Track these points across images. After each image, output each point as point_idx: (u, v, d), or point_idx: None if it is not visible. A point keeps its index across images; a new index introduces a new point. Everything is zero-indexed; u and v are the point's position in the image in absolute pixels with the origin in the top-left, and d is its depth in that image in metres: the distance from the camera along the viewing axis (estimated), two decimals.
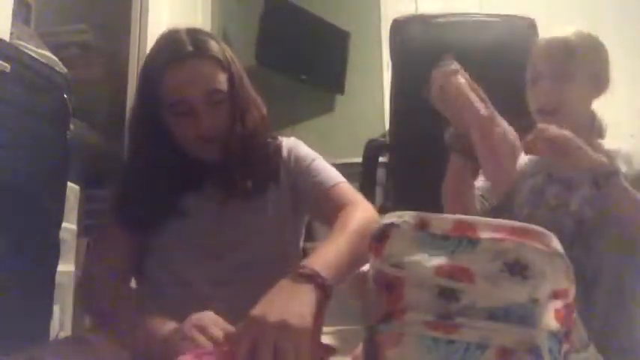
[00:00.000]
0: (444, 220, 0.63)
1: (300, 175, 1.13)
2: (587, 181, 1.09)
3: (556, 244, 0.62)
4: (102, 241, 1.12)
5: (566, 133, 1.08)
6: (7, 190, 1.02)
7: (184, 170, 1.09)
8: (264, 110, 1.15)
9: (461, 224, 0.62)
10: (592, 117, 1.25)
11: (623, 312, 1.12)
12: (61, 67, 1.36)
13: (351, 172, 2.34)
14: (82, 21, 2.18)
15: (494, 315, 0.57)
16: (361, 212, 1.00)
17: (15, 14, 1.32)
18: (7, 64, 1.03)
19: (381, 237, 0.63)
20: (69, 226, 1.55)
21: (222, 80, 1.05)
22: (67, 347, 0.91)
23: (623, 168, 1.13)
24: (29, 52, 1.22)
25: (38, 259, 1.11)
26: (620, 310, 1.12)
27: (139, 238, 1.07)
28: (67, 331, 1.53)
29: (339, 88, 3.34)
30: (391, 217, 0.64)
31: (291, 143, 1.18)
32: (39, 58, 1.23)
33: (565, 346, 0.61)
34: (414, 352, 0.57)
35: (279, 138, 1.20)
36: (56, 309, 1.41)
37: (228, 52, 1.10)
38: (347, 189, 1.12)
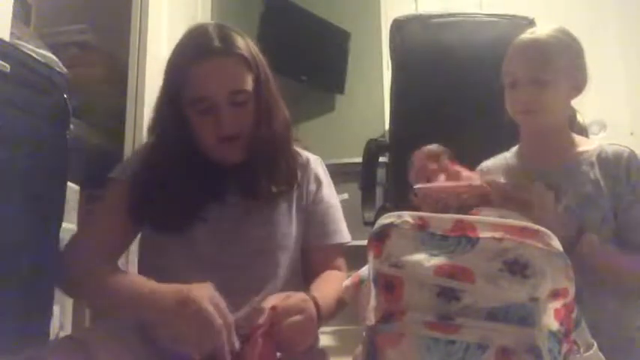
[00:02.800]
0: (443, 220, 0.63)
1: (316, 207, 1.15)
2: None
3: (556, 243, 0.61)
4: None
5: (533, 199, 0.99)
6: (7, 190, 1.02)
7: (207, 177, 1.07)
8: (287, 113, 1.13)
9: (461, 224, 0.62)
10: (572, 115, 1.28)
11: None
12: (61, 67, 1.36)
13: (351, 172, 2.35)
14: (82, 21, 2.18)
15: (495, 315, 0.58)
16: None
17: (15, 14, 1.32)
18: (7, 64, 1.03)
19: (381, 236, 0.63)
20: (69, 226, 1.55)
21: (247, 80, 1.03)
22: (64, 349, 0.91)
23: (601, 170, 1.15)
24: (29, 52, 1.22)
25: (38, 259, 1.11)
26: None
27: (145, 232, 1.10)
28: (67, 331, 1.53)
29: (339, 88, 3.35)
30: (390, 217, 0.64)
31: (318, 164, 1.20)
32: (39, 58, 1.23)
33: (565, 346, 0.61)
34: (414, 352, 0.57)
35: (306, 152, 1.21)
36: (56, 309, 1.41)
37: (255, 51, 1.07)
38: (342, 254, 1.16)
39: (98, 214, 1.16)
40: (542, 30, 1.24)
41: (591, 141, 1.27)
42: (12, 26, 1.29)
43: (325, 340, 1.27)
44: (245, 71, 1.03)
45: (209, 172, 1.07)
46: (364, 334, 0.62)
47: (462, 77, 1.77)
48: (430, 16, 1.89)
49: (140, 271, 1.12)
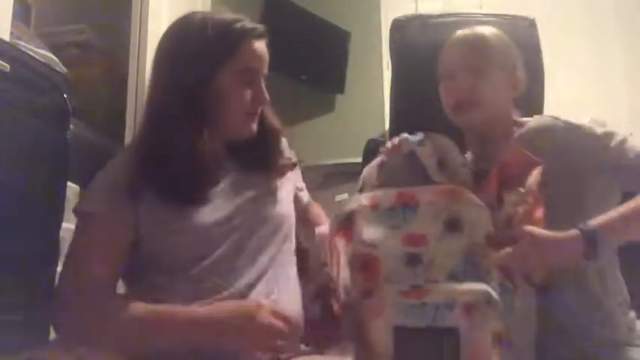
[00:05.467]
0: (388, 196, 0.74)
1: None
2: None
3: (476, 198, 0.73)
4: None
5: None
6: (7, 190, 1.02)
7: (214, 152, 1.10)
8: None
9: (402, 195, 0.73)
10: (510, 116, 1.22)
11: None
12: (60, 67, 1.36)
13: (351, 172, 2.34)
14: (82, 21, 2.18)
15: (455, 275, 0.68)
16: None
17: (15, 14, 1.32)
18: (7, 64, 1.03)
19: (347, 223, 0.72)
20: (69, 226, 1.55)
21: None
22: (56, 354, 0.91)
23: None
24: (29, 52, 1.23)
25: (38, 259, 1.11)
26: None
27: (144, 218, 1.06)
28: None
29: (339, 88, 3.35)
30: (351, 204, 0.74)
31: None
32: (39, 58, 1.23)
33: (516, 290, 0.73)
34: (395, 319, 0.67)
35: None
36: None
37: None
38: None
39: (82, 253, 1.07)
40: (473, 28, 1.25)
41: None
42: (12, 26, 1.29)
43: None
44: None
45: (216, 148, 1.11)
46: (344, 309, 0.72)
47: None
48: (430, 16, 1.89)
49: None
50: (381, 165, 0.87)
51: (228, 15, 1.13)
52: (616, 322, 1.12)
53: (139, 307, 0.98)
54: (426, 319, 0.64)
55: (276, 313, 0.94)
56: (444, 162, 0.86)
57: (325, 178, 2.75)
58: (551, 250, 0.85)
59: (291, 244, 1.19)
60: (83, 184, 1.66)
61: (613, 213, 0.94)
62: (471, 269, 0.68)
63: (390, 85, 1.89)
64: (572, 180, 1.05)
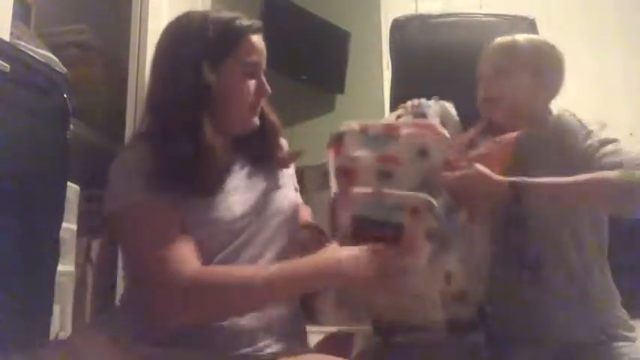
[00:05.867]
0: (377, 126, 0.92)
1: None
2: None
3: (444, 131, 0.94)
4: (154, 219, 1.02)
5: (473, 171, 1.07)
6: (7, 190, 1.02)
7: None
8: None
9: (388, 127, 0.91)
10: (546, 113, 1.33)
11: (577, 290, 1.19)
12: (60, 67, 1.36)
13: None
14: (82, 21, 2.18)
15: (414, 188, 0.88)
16: None
17: (15, 14, 1.32)
18: (7, 64, 1.03)
19: (338, 140, 0.90)
20: (69, 226, 1.56)
21: None
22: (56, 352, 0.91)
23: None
24: (29, 52, 1.23)
25: (38, 259, 1.11)
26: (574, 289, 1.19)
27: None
28: (67, 331, 1.53)
29: (339, 88, 3.34)
30: (343, 127, 0.92)
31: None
32: (39, 58, 1.23)
33: (459, 216, 0.92)
34: (360, 209, 0.86)
35: None
36: (56, 309, 1.41)
37: None
38: None
39: (152, 236, 1.01)
40: (508, 37, 1.34)
41: None
42: (12, 26, 1.29)
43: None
44: None
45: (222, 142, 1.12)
46: (329, 204, 0.92)
47: (462, 77, 1.77)
48: (430, 16, 1.89)
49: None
50: (399, 116, 1.12)
51: (226, 13, 1.16)
52: (602, 315, 1.18)
53: (258, 271, 0.99)
54: (381, 214, 0.84)
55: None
56: (444, 121, 1.14)
57: (325, 178, 2.75)
58: (482, 182, 1.02)
59: (296, 237, 1.20)
60: (83, 184, 1.67)
61: (552, 179, 1.07)
62: (427, 185, 0.88)
63: (390, 85, 1.89)
64: (550, 156, 1.21)
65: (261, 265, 1.05)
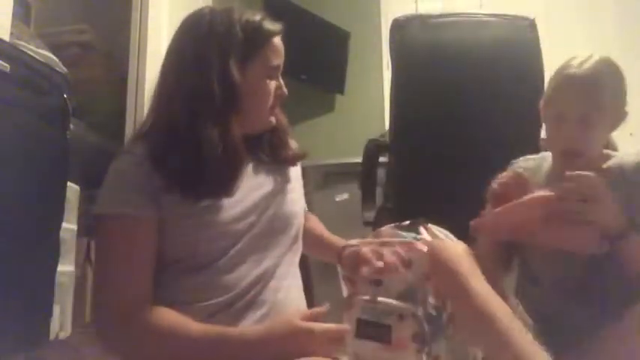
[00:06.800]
0: (373, 243, 1.11)
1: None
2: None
3: (425, 248, 1.07)
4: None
5: (598, 182, 1.06)
6: (7, 190, 1.02)
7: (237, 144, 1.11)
8: None
9: (381, 243, 1.10)
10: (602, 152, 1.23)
11: None
12: (61, 67, 1.36)
13: (351, 172, 2.35)
14: (82, 21, 2.18)
15: (401, 297, 1.04)
16: None
17: (15, 14, 1.32)
18: (7, 64, 1.03)
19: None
20: (69, 226, 1.55)
21: None
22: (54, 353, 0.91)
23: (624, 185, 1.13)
24: (29, 52, 1.22)
25: (38, 259, 1.11)
26: None
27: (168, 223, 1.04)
28: (67, 331, 1.53)
29: (339, 88, 3.35)
30: (347, 244, 1.19)
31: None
32: (39, 58, 1.23)
33: (445, 315, 1.04)
34: (358, 314, 1.04)
35: None
36: (56, 309, 1.41)
37: None
38: None
39: (117, 265, 1.03)
40: (591, 63, 1.17)
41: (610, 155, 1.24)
42: (12, 26, 1.29)
43: None
44: None
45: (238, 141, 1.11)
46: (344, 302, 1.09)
47: (462, 77, 1.77)
48: (430, 16, 1.89)
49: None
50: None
51: (251, 13, 1.18)
52: None
53: (191, 329, 0.98)
54: (375, 317, 1.03)
55: (308, 317, 1.02)
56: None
57: (325, 178, 2.75)
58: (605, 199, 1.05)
59: (299, 244, 1.21)
60: (83, 184, 1.67)
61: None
62: (411, 295, 1.05)
63: (390, 85, 1.89)
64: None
65: (200, 330, 1.00)
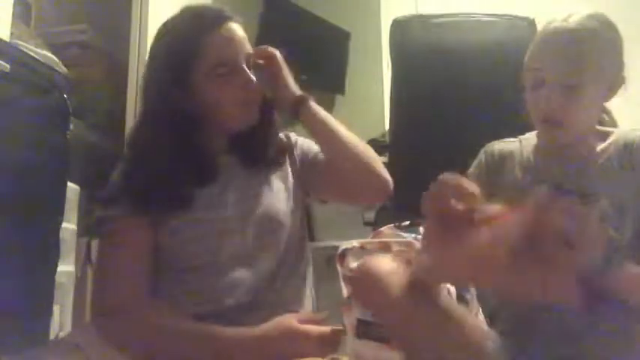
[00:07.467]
0: (373, 243, 1.02)
1: (306, 151, 1.25)
2: None
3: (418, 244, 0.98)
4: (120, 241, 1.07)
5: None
6: (7, 190, 1.02)
7: (207, 151, 1.10)
8: None
9: (382, 244, 1.02)
10: (602, 117, 1.12)
11: None
12: (61, 67, 1.36)
13: None
14: (82, 21, 2.18)
15: None
16: None
17: (15, 14, 1.32)
18: (7, 64, 1.03)
19: (342, 255, 1.00)
20: (69, 226, 1.55)
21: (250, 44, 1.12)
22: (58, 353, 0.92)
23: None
24: (29, 52, 1.22)
25: (38, 259, 1.11)
26: None
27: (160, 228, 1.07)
28: (67, 331, 1.53)
29: (339, 88, 3.34)
30: (347, 244, 1.03)
31: (295, 135, 1.30)
32: (39, 58, 1.23)
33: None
34: (360, 315, 0.95)
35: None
36: (56, 309, 1.41)
37: None
38: None
39: (116, 266, 1.07)
40: (577, 18, 1.01)
41: (609, 132, 1.09)
42: (12, 26, 1.29)
43: None
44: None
45: (208, 147, 1.11)
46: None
47: (462, 77, 1.77)
48: (430, 16, 1.89)
49: None
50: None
51: (185, 14, 1.10)
52: None
53: (187, 326, 1.00)
54: (375, 317, 0.97)
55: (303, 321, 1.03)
56: None
57: None
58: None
59: (299, 244, 1.19)
60: (83, 184, 1.66)
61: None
62: None
63: (390, 85, 1.89)
64: None
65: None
